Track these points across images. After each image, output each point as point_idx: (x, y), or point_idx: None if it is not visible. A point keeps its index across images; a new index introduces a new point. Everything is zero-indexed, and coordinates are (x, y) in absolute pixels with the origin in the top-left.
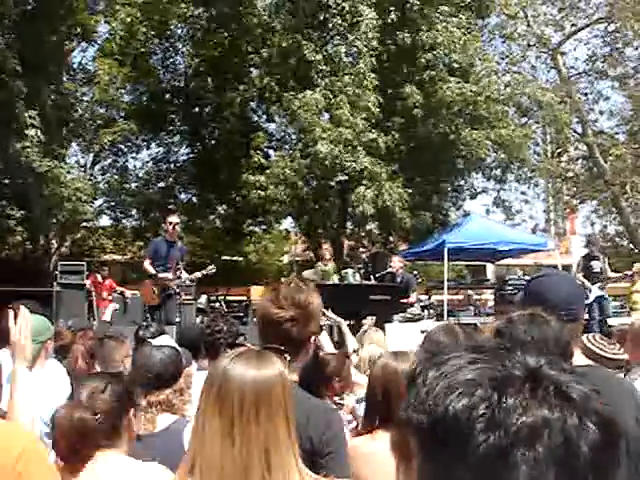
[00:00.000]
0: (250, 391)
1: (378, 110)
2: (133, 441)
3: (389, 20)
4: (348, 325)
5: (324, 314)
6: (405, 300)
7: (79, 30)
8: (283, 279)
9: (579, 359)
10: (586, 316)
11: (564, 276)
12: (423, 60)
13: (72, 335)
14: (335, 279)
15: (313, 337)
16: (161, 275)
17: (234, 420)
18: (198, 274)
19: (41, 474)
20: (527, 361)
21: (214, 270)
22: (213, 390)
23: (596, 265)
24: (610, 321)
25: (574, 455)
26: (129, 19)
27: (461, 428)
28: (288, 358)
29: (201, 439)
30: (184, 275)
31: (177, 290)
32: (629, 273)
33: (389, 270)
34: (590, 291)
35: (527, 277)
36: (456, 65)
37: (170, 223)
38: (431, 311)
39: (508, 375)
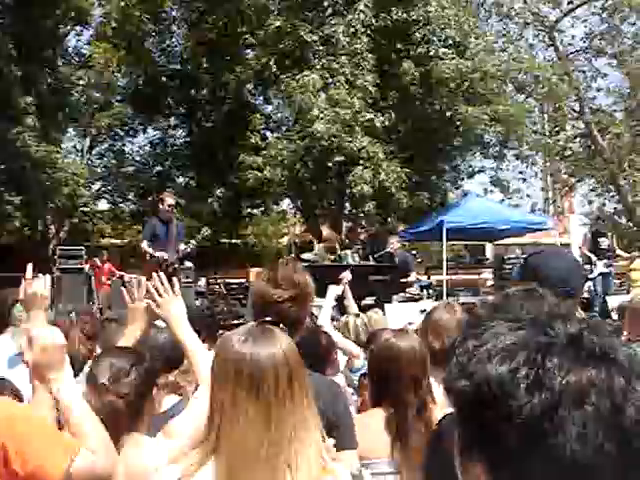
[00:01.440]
0: (283, 371)
1: (375, 89)
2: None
3: None
4: (346, 306)
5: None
6: (404, 280)
7: (73, 14)
8: (280, 260)
9: None
10: (586, 294)
11: (560, 253)
12: (417, 35)
13: (69, 323)
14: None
15: (306, 316)
16: (158, 253)
17: (271, 405)
18: (193, 242)
19: (34, 431)
20: (568, 328)
21: (208, 232)
22: (244, 375)
23: (603, 242)
24: (610, 299)
25: (621, 416)
26: (123, 2)
27: (505, 389)
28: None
29: (231, 423)
30: (182, 247)
31: (177, 274)
32: (636, 254)
33: (388, 250)
34: (595, 266)
35: (524, 255)
36: (451, 41)
37: (169, 205)
38: (430, 291)
39: (550, 339)
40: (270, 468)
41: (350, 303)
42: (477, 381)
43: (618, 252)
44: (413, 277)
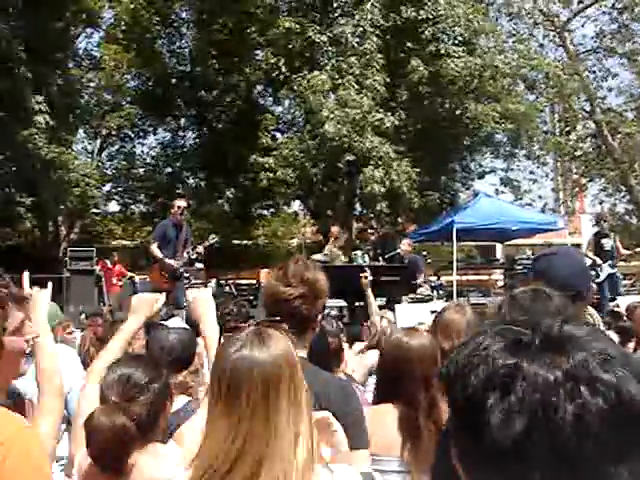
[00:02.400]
0: (264, 379)
1: (385, 89)
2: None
3: None
4: (357, 306)
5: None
6: (414, 281)
7: (84, 16)
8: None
9: None
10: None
11: (569, 254)
12: (427, 33)
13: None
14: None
15: (319, 315)
16: (167, 261)
17: (242, 418)
18: (200, 247)
19: (20, 470)
20: (546, 321)
21: (216, 239)
22: (223, 385)
23: (607, 243)
24: (620, 300)
25: (554, 412)
26: (133, 5)
27: (458, 373)
28: (286, 327)
29: (206, 434)
30: (190, 252)
31: (187, 274)
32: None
33: (398, 251)
34: (601, 269)
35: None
36: (460, 39)
37: (178, 207)
38: (440, 292)
39: (520, 336)
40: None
41: (371, 306)
42: (449, 366)
43: (622, 251)
44: (422, 279)
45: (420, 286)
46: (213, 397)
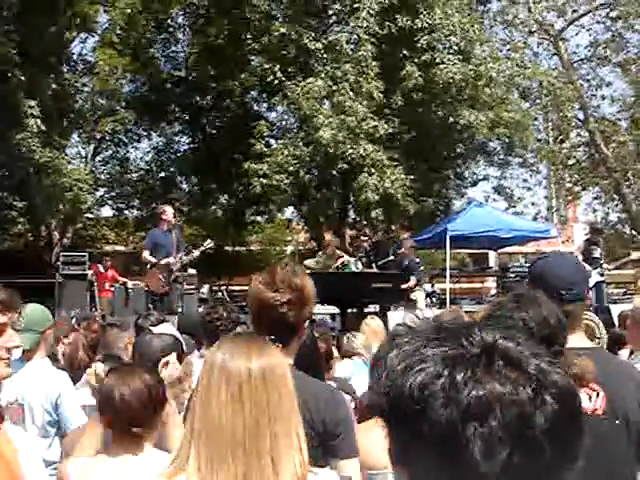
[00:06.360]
0: (256, 384)
1: (380, 96)
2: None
3: (387, 2)
4: (351, 313)
5: None
6: (405, 285)
7: (79, 20)
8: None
9: (579, 340)
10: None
11: (564, 256)
12: (422, 41)
13: (70, 326)
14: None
15: (306, 322)
16: (163, 261)
17: (242, 386)
18: (196, 252)
19: None
20: (483, 337)
21: (211, 244)
22: (215, 372)
23: (596, 251)
24: (612, 308)
25: (529, 428)
26: (129, 9)
27: (417, 406)
28: (279, 345)
29: (205, 411)
30: (184, 257)
31: (180, 280)
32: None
33: (391, 258)
34: (590, 276)
35: (528, 264)
36: (456, 48)
37: (166, 213)
38: (433, 299)
39: (462, 351)
40: (251, 457)
41: None
42: (392, 397)
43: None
44: (413, 281)
45: (412, 290)
46: (207, 379)
